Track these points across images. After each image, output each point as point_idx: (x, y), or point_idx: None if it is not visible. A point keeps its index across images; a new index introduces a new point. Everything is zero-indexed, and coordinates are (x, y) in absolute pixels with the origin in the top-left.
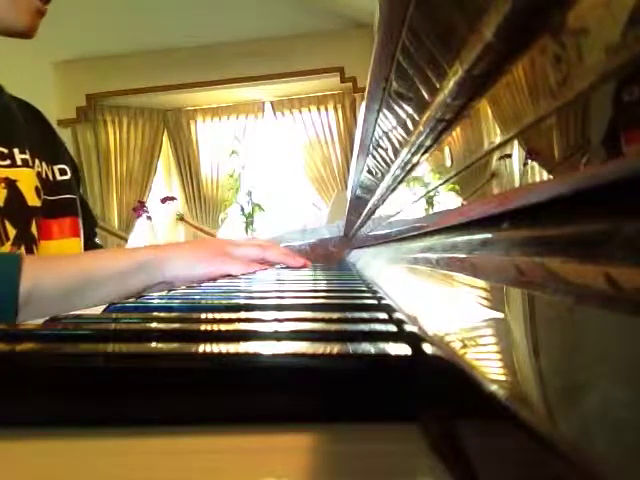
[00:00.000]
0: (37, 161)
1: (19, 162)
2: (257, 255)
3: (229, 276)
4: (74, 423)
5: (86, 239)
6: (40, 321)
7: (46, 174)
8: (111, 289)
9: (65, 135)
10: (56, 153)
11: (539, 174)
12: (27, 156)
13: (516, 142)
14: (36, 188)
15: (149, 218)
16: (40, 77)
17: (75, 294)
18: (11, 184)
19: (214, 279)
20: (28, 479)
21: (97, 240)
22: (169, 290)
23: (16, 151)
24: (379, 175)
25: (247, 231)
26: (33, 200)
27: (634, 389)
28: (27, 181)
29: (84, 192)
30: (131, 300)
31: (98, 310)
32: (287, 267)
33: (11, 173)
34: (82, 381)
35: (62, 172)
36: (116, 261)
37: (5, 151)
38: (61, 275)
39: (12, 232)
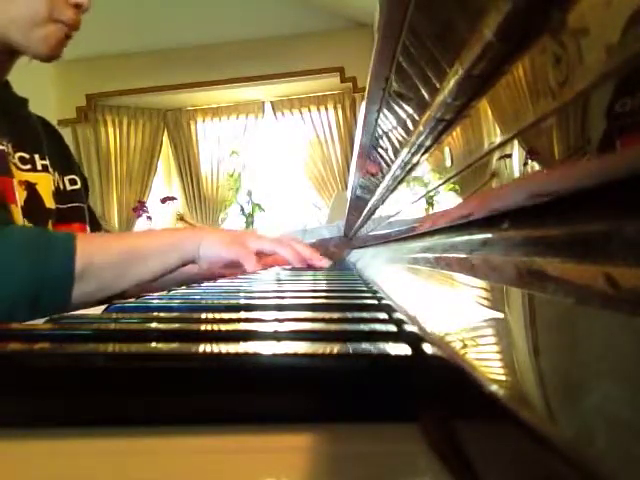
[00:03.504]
0: (52, 170)
1: (39, 167)
2: (270, 250)
3: (239, 267)
4: (74, 423)
5: None
6: (40, 321)
7: (58, 183)
8: (152, 265)
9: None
10: (67, 165)
11: (539, 174)
12: (47, 162)
13: (516, 142)
14: (53, 192)
15: (149, 218)
16: (40, 77)
17: (121, 270)
18: (31, 187)
19: (230, 265)
20: (28, 479)
21: None
22: (169, 290)
23: (37, 157)
24: (379, 175)
25: None
26: (50, 203)
27: (633, 389)
28: (45, 185)
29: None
30: (131, 300)
31: (98, 310)
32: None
33: (31, 177)
34: (82, 381)
35: (72, 182)
36: (157, 240)
37: (27, 156)
38: (109, 252)
39: None
